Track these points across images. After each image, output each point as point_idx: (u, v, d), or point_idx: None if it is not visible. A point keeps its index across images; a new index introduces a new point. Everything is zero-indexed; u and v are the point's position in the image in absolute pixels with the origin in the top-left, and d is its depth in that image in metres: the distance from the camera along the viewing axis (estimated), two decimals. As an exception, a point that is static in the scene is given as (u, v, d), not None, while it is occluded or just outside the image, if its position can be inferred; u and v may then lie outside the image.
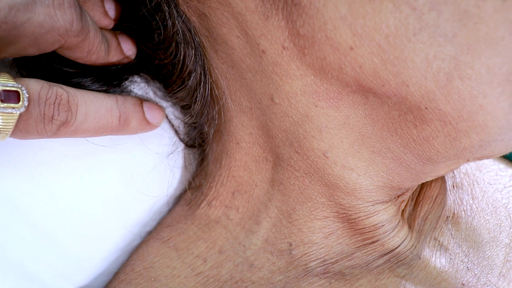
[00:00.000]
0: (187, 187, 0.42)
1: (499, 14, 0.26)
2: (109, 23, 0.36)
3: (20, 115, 0.31)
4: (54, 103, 0.32)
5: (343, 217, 0.36)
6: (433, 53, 0.27)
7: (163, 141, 0.41)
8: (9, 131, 0.31)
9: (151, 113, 0.38)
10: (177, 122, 0.41)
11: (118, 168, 0.39)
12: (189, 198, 0.41)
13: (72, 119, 0.33)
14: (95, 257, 0.39)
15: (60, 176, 0.37)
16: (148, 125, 0.38)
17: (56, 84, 0.33)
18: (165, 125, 0.41)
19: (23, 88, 0.31)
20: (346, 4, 0.27)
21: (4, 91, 0.30)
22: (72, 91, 0.33)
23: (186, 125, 0.41)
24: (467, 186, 0.43)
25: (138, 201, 0.40)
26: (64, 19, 0.31)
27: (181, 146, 0.42)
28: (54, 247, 0.37)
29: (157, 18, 0.35)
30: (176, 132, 0.42)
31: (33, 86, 0.32)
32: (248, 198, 0.39)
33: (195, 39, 0.35)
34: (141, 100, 0.38)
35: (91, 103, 0.34)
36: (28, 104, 0.31)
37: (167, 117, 0.41)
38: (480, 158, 0.34)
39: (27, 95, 0.31)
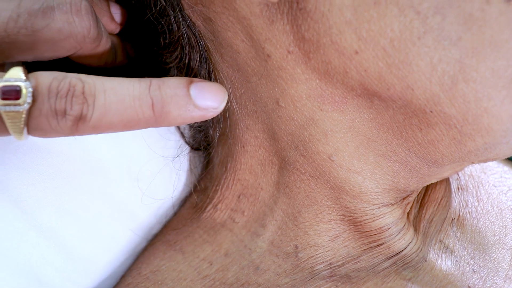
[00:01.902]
0: (192, 190, 0.42)
1: (503, 17, 0.27)
2: (115, 27, 0.36)
3: (30, 112, 0.28)
4: (66, 96, 0.28)
5: (349, 220, 0.37)
6: (438, 57, 0.27)
7: (168, 144, 0.41)
8: (19, 130, 0.29)
9: (202, 96, 0.31)
10: (182, 125, 0.42)
11: (125, 171, 0.39)
12: (195, 201, 0.42)
13: (89, 112, 0.29)
14: (102, 260, 0.39)
15: (68, 180, 0.37)
16: (199, 112, 0.31)
17: (73, 74, 0.29)
18: (171, 128, 0.41)
19: (27, 83, 0.28)
20: (351, 8, 0.27)
21: (4, 87, 0.28)
22: (90, 79, 0.29)
23: (192, 128, 0.41)
24: (472, 188, 0.43)
25: (144, 204, 0.40)
26: (82, 25, 0.31)
27: (186, 149, 0.42)
28: (62, 250, 0.37)
29: (162, 22, 0.35)
30: (182, 135, 0.42)
31: (44, 79, 0.28)
32: (254, 201, 0.39)
33: (200, 43, 0.35)
34: (190, 80, 0.32)
35: (112, 92, 0.29)
36: (36, 99, 0.28)
37: None
38: (485, 161, 0.35)
39: (31, 90, 0.28)
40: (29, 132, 0.29)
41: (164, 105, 0.30)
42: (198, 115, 0.31)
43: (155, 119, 0.30)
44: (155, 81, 0.30)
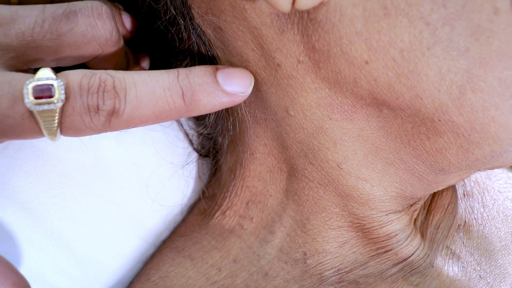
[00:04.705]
0: (201, 196, 0.42)
1: (511, 28, 0.27)
2: (126, 35, 0.37)
3: (63, 110, 0.29)
4: (97, 91, 0.29)
5: (357, 226, 0.37)
6: (446, 67, 0.28)
7: (177, 152, 0.41)
8: (54, 129, 0.29)
9: (229, 81, 0.32)
10: (191, 132, 0.42)
11: (134, 178, 0.40)
12: (203, 208, 0.42)
13: (121, 106, 0.29)
14: (111, 267, 0.39)
15: (77, 187, 0.38)
16: (228, 97, 0.32)
17: (101, 70, 0.30)
18: (179, 135, 0.42)
19: (59, 81, 0.28)
20: (362, 19, 0.28)
21: (37, 86, 0.28)
22: (119, 74, 0.30)
23: (200, 136, 0.42)
24: (477, 194, 0.44)
25: (153, 210, 0.41)
26: (104, 28, 0.32)
27: (195, 156, 0.42)
28: (72, 257, 0.37)
29: (172, 31, 0.35)
30: (191, 142, 0.42)
31: (74, 77, 0.29)
32: (262, 208, 0.39)
33: (210, 52, 0.35)
34: (216, 67, 0.32)
35: (143, 85, 0.30)
36: (69, 97, 0.29)
37: (182, 127, 0.42)
38: (491, 168, 0.35)
39: (64, 87, 0.28)
40: (62, 132, 0.30)
41: (194, 94, 0.31)
42: (228, 101, 0.32)
43: (186, 108, 0.31)
44: (182, 70, 0.31)
